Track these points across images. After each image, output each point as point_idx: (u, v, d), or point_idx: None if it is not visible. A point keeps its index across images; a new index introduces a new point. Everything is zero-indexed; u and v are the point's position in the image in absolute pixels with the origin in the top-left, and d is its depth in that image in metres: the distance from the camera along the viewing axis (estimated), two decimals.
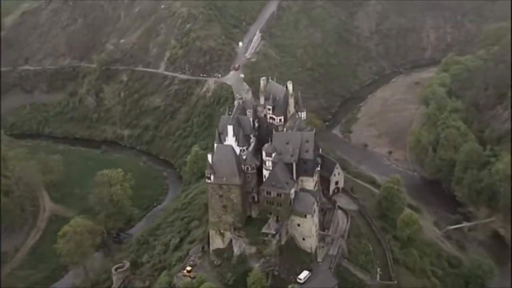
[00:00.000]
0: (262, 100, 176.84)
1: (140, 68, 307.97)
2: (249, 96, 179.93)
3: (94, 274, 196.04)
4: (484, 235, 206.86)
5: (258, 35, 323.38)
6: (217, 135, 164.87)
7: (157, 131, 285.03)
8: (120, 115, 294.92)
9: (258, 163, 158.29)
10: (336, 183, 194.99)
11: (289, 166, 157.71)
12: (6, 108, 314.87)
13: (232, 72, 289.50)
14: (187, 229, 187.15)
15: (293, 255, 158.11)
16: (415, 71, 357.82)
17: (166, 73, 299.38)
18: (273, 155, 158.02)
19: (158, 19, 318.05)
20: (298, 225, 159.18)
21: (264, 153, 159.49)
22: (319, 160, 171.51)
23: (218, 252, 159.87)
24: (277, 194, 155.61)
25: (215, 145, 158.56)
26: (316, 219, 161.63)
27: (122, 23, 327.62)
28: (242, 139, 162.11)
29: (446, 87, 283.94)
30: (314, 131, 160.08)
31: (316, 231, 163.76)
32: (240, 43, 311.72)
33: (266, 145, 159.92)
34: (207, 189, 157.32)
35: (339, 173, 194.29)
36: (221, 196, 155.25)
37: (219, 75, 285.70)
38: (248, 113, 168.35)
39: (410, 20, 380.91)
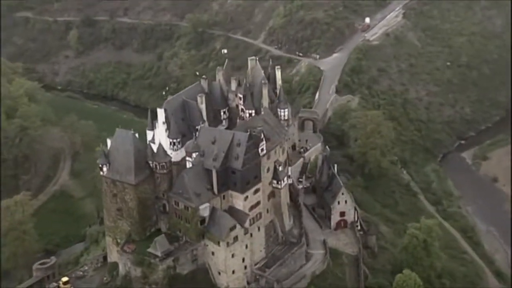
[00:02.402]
0: (233, 86, 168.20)
1: (237, 36, 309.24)
2: (219, 77, 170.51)
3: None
4: None
5: (399, 11, 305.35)
6: (149, 120, 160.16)
7: None
8: None
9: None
10: (342, 214, 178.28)
11: (209, 173, 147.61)
12: (91, 64, 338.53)
13: (335, 54, 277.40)
14: None
15: None
16: None
17: (262, 45, 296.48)
18: (194, 155, 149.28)
19: None
20: (213, 253, 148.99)
21: (184, 152, 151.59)
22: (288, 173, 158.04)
23: (113, 266, 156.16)
24: (185, 207, 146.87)
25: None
26: (241, 249, 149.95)
27: None
28: (176, 129, 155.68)
29: None
30: (248, 133, 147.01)
31: (244, 267, 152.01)
32: (367, 19, 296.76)
33: (188, 142, 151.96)
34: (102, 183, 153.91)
35: (345, 202, 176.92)
36: (115, 195, 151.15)
37: (317, 56, 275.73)
38: (198, 99, 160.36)
39: None
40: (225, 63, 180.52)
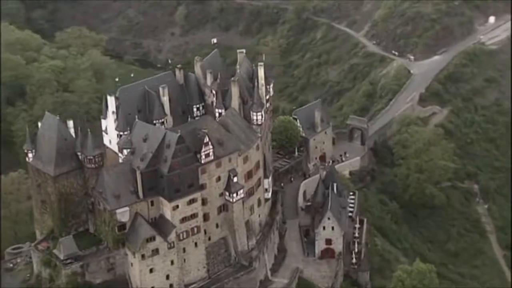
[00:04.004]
0: (209, 80, 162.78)
1: (340, 26, 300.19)
2: (197, 70, 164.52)
3: None
4: None
5: None
6: (104, 107, 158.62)
7: None
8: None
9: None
10: (328, 242, 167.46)
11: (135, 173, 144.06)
12: (194, 44, 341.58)
13: (436, 57, 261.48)
14: None
15: None
16: None
17: (361, 39, 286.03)
18: (125, 151, 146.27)
19: None
20: (132, 264, 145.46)
21: (117, 147, 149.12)
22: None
23: None
24: (104, 208, 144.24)
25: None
26: (163, 265, 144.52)
27: None
28: (126, 121, 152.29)
29: None
30: (179, 133, 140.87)
31: (170, 285, 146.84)
32: (492, 18, 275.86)
33: (122, 137, 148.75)
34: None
35: (332, 228, 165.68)
36: (39, 185, 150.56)
37: (412, 57, 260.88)
38: (160, 90, 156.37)
39: None
40: (211, 52, 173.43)
